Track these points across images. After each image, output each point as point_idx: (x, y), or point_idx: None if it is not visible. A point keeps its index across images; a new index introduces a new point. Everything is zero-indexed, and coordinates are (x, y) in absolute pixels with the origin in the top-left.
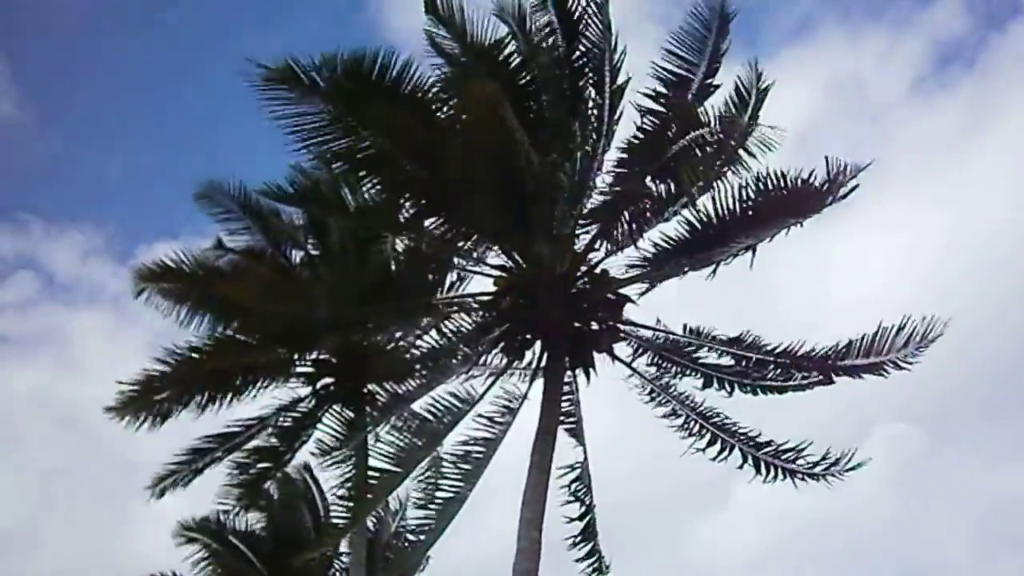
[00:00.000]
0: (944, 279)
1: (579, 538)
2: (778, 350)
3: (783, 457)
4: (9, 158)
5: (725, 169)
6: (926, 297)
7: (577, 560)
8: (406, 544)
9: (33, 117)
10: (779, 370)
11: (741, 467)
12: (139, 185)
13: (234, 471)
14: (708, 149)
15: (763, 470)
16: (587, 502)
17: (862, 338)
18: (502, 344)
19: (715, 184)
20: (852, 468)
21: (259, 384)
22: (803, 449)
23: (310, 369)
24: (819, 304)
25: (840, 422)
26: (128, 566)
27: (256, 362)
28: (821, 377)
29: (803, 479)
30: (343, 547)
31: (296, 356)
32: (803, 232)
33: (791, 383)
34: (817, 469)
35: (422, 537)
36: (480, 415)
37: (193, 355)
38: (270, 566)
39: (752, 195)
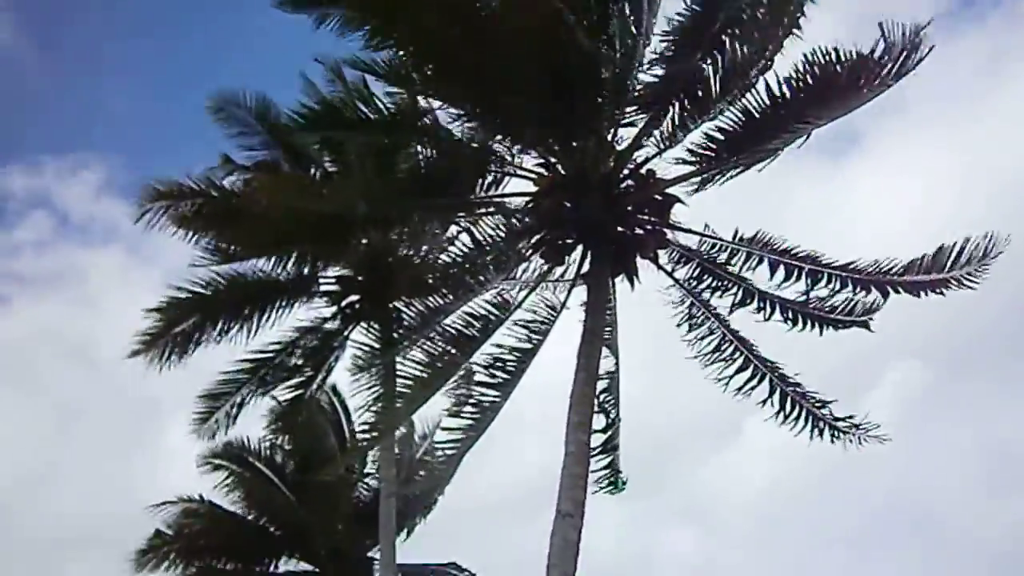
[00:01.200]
0: (966, 217)
1: (599, 450)
2: (837, 263)
3: (809, 400)
4: (11, 90)
5: (780, 43)
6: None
7: (593, 471)
8: (436, 459)
9: (32, 45)
10: (836, 283)
11: (765, 402)
12: (151, 121)
13: (264, 396)
14: (761, 18)
15: (788, 409)
16: (612, 416)
17: (923, 256)
18: (541, 249)
19: (769, 62)
20: (873, 434)
21: (282, 306)
22: (829, 400)
23: (334, 287)
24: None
25: (852, 364)
26: (150, 498)
27: (277, 283)
28: (873, 300)
29: (823, 429)
30: (371, 469)
31: (319, 272)
32: (823, 173)
33: (835, 315)
34: (840, 424)
35: (452, 451)
36: (516, 323)
37: (214, 280)
38: (296, 489)
39: (809, 73)
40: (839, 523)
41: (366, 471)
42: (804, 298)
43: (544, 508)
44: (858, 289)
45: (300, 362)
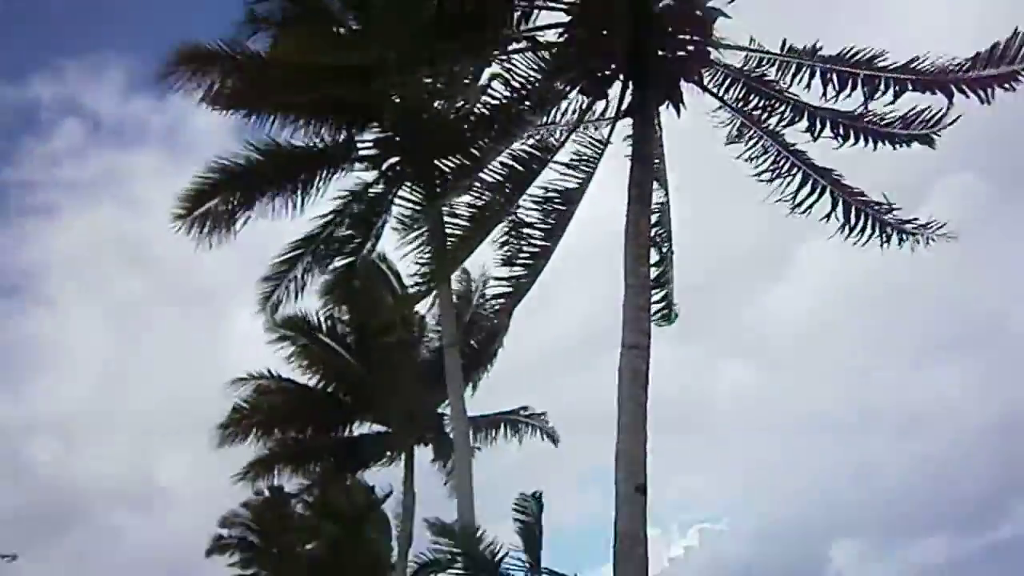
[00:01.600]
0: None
1: (653, 283)
2: (895, 65)
3: (873, 207)
4: None
5: None
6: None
7: None
8: (491, 309)
9: None
10: (895, 88)
11: (828, 216)
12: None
13: (319, 270)
14: None
15: (852, 218)
16: (665, 249)
17: (994, 45)
18: (580, 84)
19: None
20: (941, 232)
21: (324, 176)
22: (894, 204)
23: (373, 151)
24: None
25: (901, 179)
26: (217, 381)
27: (315, 152)
28: (936, 113)
29: (890, 234)
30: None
31: (356, 137)
32: None
33: (894, 128)
34: (907, 227)
35: (505, 301)
36: (561, 164)
37: (251, 155)
38: (360, 355)
39: None
40: (893, 342)
41: (426, 330)
42: (861, 110)
43: (602, 353)
44: (920, 92)
45: (349, 231)
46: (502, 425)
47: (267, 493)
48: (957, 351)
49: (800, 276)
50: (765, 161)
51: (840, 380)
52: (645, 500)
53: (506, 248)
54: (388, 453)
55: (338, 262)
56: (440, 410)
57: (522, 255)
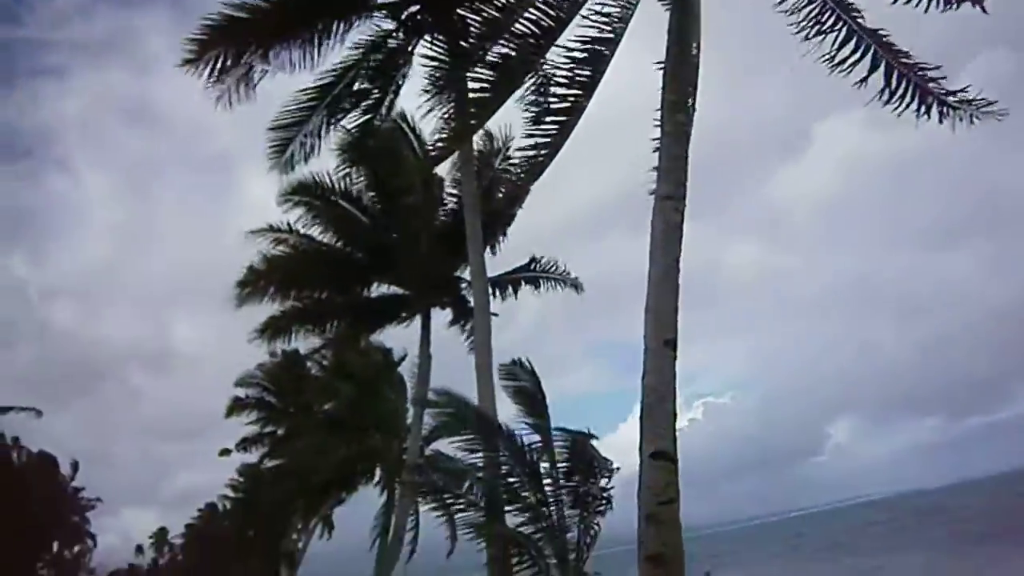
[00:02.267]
0: None
1: None
2: None
3: (918, 74)
4: None
5: None
6: None
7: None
8: (517, 170)
9: None
10: None
11: (864, 80)
12: None
13: (335, 126)
14: None
15: (894, 84)
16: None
17: None
18: None
19: None
20: (986, 110)
21: (340, 26)
22: (941, 74)
23: None
24: None
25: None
26: (232, 246)
27: None
28: None
29: (931, 105)
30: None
31: None
32: None
33: None
34: (951, 100)
35: (533, 162)
36: (592, 13)
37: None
38: (379, 216)
39: None
40: (906, 225)
41: (446, 191)
42: None
43: (610, 229)
44: None
45: (367, 84)
46: (521, 283)
47: (282, 355)
48: (970, 236)
49: (817, 155)
50: (809, 14)
51: (850, 261)
52: (675, 355)
53: (533, 106)
54: (404, 315)
55: (355, 118)
56: (458, 274)
57: (551, 114)
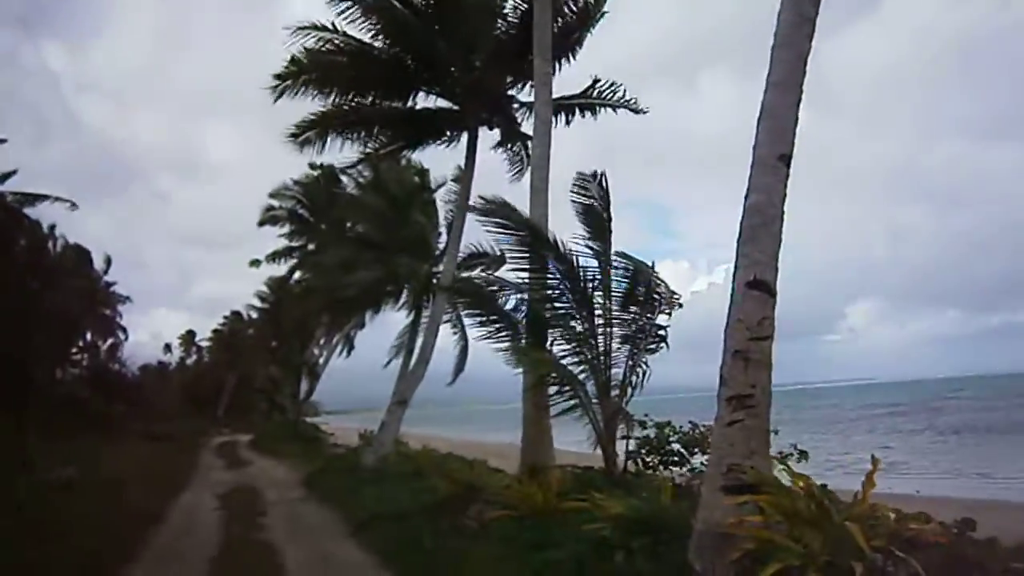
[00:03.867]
0: None
1: None
2: None
3: None
4: None
5: None
6: None
7: None
8: None
9: None
10: None
11: None
12: None
13: None
14: None
15: None
16: None
17: None
18: None
19: None
20: None
21: None
22: None
23: None
24: None
25: None
26: (270, 62)
27: None
28: None
29: None
30: None
31: None
32: None
33: None
34: None
35: None
36: None
37: None
38: (433, 19)
39: None
40: (964, 112)
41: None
42: None
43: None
44: None
45: None
46: (575, 110)
47: (319, 168)
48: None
49: (888, 19)
50: None
51: (899, 140)
52: (788, 172)
53: None
54: (448, 133)
55: None
56: (511, 93)
57: None
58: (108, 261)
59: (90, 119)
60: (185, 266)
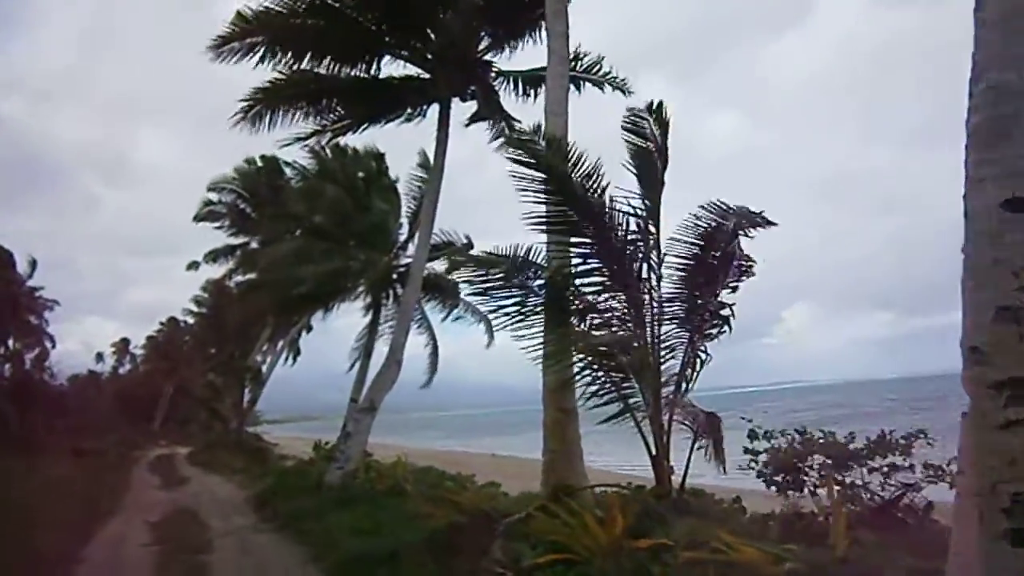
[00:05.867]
0: None
1: None
2: None
3: None
4: None
5: None
6: None
7: None
8: None
9: None
10: None
11: None
12: None
13: None
14: None
15: None
16: None
17: None
18: None
19: None
20: None
21: None
22: None
23: None
24: None
25: None
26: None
27: None
28: None
29: None
30: None
31: None
32: None
33: None
34: None
35: None
36: None
37: None
38: None
39: None
40: (896, 118)
41: None
42: None
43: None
44: None
45: None
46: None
47: (260, 160)
48: (957, 139)
49: (818, 29)
50: None
51: (831, 147)
52: None
53: None
54: (413, 108)
55: None
56: (490, 58)
57: None
58: (33, 264)
59: (11, 116)
60: (118, 272)
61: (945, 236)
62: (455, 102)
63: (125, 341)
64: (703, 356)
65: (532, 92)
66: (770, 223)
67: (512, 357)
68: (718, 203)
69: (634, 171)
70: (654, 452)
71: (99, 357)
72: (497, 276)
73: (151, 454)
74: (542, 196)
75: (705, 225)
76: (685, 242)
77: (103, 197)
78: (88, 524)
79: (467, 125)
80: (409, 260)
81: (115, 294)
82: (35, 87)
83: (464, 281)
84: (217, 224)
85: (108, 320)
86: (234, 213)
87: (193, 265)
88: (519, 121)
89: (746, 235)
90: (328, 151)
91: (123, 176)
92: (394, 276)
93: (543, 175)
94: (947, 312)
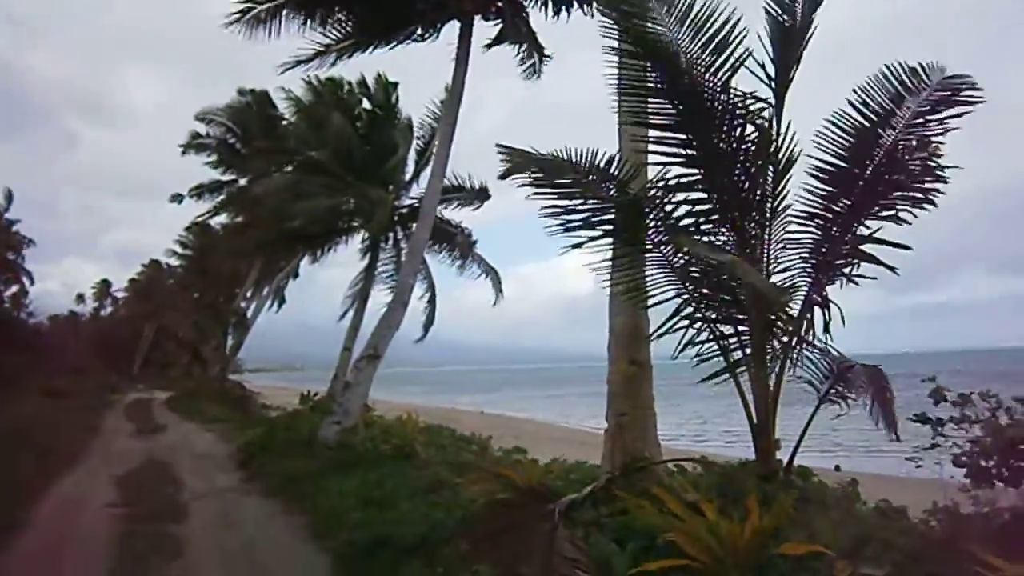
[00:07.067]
0: None
1: None
2: None
3: None
4: None
5: None
6: None
7: None
8: None
9: None
10: None
11: None
12: None
13: None
14: None
15: None
16: None
17: None
18: None
19: None
20: None
21: None
22: None
23: None
24: None
25: None
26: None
27: None
28: None
29: None
30: None
31: None
32: None
33: None
34: None
35: None
36: None
37: None
38: None
39: None
40: None
41: None
42: None
43: None
44: None
45: None
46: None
47: (251, 94)
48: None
49: None
50: None
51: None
52: None
53: None
54: (426, 27)
55: None
56: None
57: None
58: (9, 196)
59: None
60: (101, 214)
61: (924, 217)
62: (477, 20)
63: (106, 283)
64: (828, 304)
65: (565, 8)
66: (977, 99)
67: (483, 314)
68: (902, 67)
69: (773, 37)
70: (755, 419)
71: (80, 298)
72: (568, 183)
73: (128, 398)
74: (636, 81)
75: (876, 106)
76: (838, 136)
77: (85, 135)
78: (44, 477)
79: (488, 47)
80: (412, 201)
81: (97, 235)
82: (16, 18)
83: (532, 185)
84: (206, 158)
85: (89, 262)
86: (223, 147)
87: (176, 198)
88: (550, 56)
89: (940, 124)
90: (323, 82)
91: (107, 115)
92: (395, 217)
93: (649, 45)
94: (929, 293)
